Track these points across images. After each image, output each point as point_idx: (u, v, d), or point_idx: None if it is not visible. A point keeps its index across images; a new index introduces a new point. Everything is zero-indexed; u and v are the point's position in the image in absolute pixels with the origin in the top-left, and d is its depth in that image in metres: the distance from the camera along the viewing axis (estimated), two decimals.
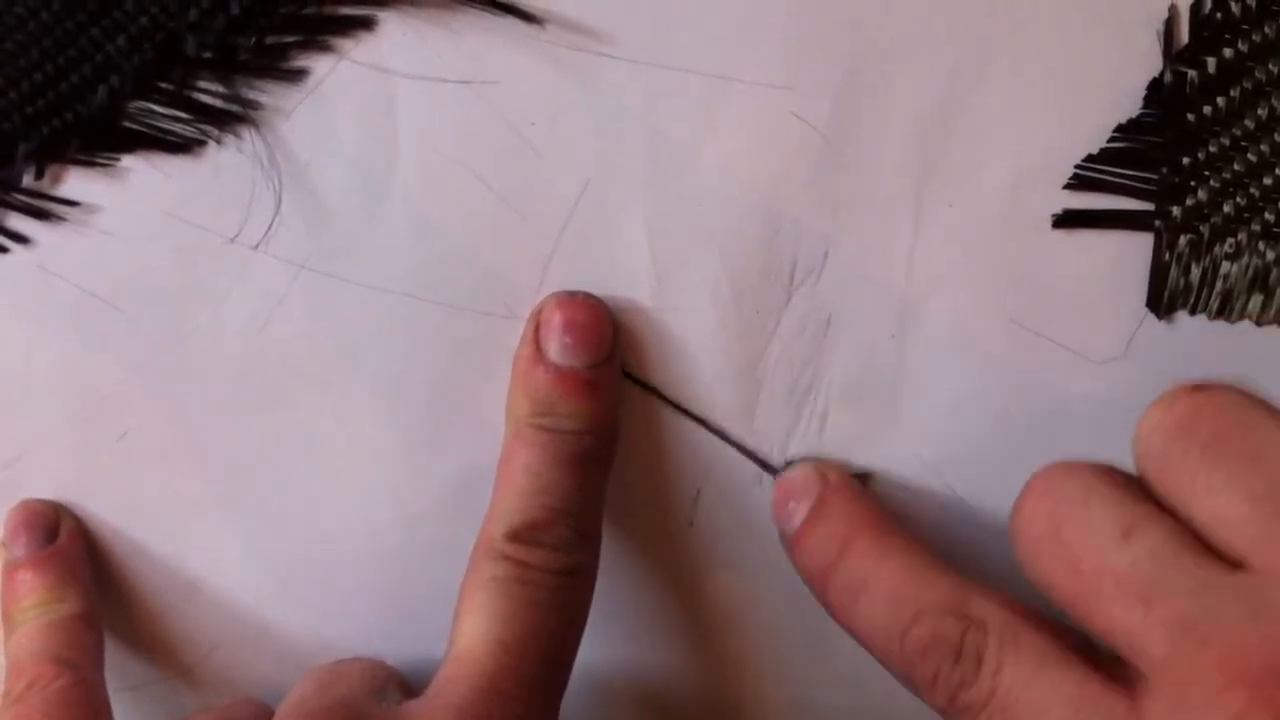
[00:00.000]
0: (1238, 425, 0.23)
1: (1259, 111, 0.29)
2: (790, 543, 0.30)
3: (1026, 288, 0.30)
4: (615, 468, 0.31)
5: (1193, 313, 0.30)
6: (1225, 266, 0.30)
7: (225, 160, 0.30)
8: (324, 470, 0.32)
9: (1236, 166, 0.29)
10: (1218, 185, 0.29)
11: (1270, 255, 0.30)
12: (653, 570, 0.33)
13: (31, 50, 0.29)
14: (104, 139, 0.30)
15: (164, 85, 0.29)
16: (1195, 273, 0.30)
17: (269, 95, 0.30)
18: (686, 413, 0.31)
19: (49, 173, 0.30)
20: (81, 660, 0.31)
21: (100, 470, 0.32)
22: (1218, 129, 0.29)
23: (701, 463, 0.32)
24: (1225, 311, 0.30)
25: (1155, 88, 0.29)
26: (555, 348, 0.30)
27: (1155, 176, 0.29)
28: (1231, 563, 0.23)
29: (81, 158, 0.30)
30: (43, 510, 0.32)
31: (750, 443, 0.32)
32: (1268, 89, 0.29)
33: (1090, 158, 0.29)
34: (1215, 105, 0.29)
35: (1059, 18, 0.28)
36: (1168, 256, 0.30)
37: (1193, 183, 0.29)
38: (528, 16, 0.29)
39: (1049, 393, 0.31)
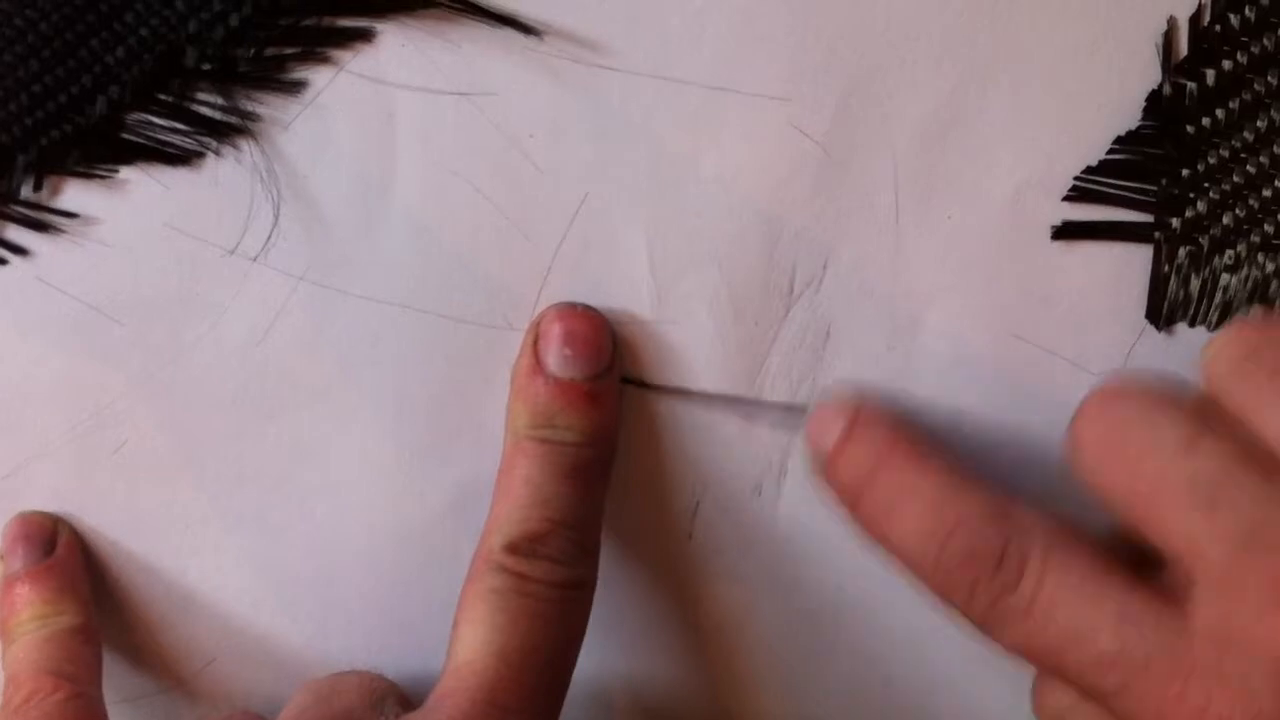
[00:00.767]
0: None
1: (1258, 123, 0.29)
2: (825, 461, 0.29)
3: (1026, 299, 0.30)
4: (614, 479, 0.31)
5: (1192, 324, 0.30)
6: (1225, 278, 0.30)
7: (224, 172, 0.30)
8: (322, 481, 0.32)
9: (1236, 178, 0.29)
10: (1217, 197, 0.29)
11: (1270, 267, 0.30)
12: (651, 582, 0.33)
13: (31, 62, 0.29)
14: (103, 150, 0.30)
15: (163, 97, 0.29)
16: (1195, 284, 0.30)
17: (268, 107, 0.30)
18: (691, 394, 0.31)
19: (48, 184, 0.30)
20: (79, 673, 0.31)
21: (98, 482, 0.32)
22: (1217, 141, 0.29)
23: (700, 475, 0.32)
24: (1225, 323, 0.30)
25: (1154, 100, 0.29)
26: (554, 359, 0.30)
27: (1155, 188, 0.29)
28: None
29: (80, 169, 0.30)
30: (40, 522, 0.32)
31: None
32: (1266, 101, 0.29)
33: (1090, 169, 0.29)
34: (1214, 117, 0.29)
35: (1058, 30, 0.28)
36: (1167, 268, 0.30)
37: (1192, 194, 0.29)
38: (526, 28, 0.29)
39: (1048, 404, 0.31)
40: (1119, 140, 0.29)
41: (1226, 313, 0.30)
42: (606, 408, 0.31)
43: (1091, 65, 0.29)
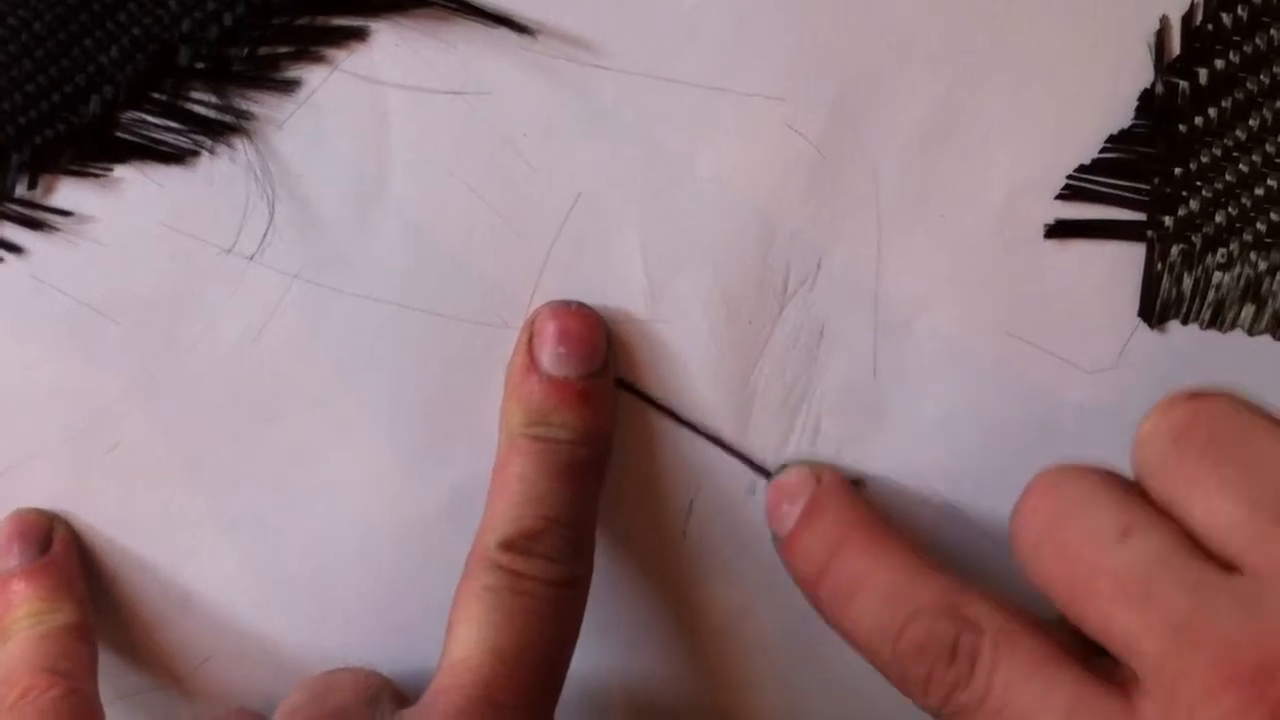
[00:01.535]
0: (1234, 431, 0.24)
1: (1250, 122, 0.29)
2: (783, 545, 0.30)
3: (1019, 298, 0.30)
4: (609, 478, 0.31)
5: (1185, 322, 0.30)
6: (1217, 276, 0.30)
7: (219, 171, 0.30)
8: (317, 480, 0.32)
9: (1228, 177, 0.29)
10: (1209, 195, 0.29)
11: (1262, 265, 0.30)
12: (646, 580, 0.33)
13: (24, 61, 0.29)
14: (97, 149, 0.30)
15: (157, 96, 0.29)
16: (1187, 283, 0.30)
17: (262, 106, 0.30)
18: (679, 419, 0.32)
19: (42, 183, 0.30)
20: (75, 671, 0.31)
21: (94, 480, 0.32)
22: (1209, 139, 0.29)
23: (695, 474, 0.32)
24: (1217, 321, 0.30)
25: (1147, 98, 0.29)
26: (549, 358, 0.30)
27: (1147, 187, 0.29)
28: (1227, 565, 0.23)
29: (75, 168, 0.30)
30: (36, 520, 0.32)
31: (743, 450, 0.32)
32: (1259, 99, 0.29)
33: (1082, 168, 0.29)
34: (1207, 116, 0.29)
35: (1051, 30, 0.28)
36: (1160, 266, 0.30)
37: (1184, 193, 0.29)
38: (520, 28, 0.29)
39: (1041, 403, 0.31)
40: (1112, 139, 0.29)
41: (1219, 311, 0.30)
42: (601, 406, 0.31)
43: (1085, 64, 0.29)
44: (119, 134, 0.30)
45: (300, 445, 0.32)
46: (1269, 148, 0.29)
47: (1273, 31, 0.28)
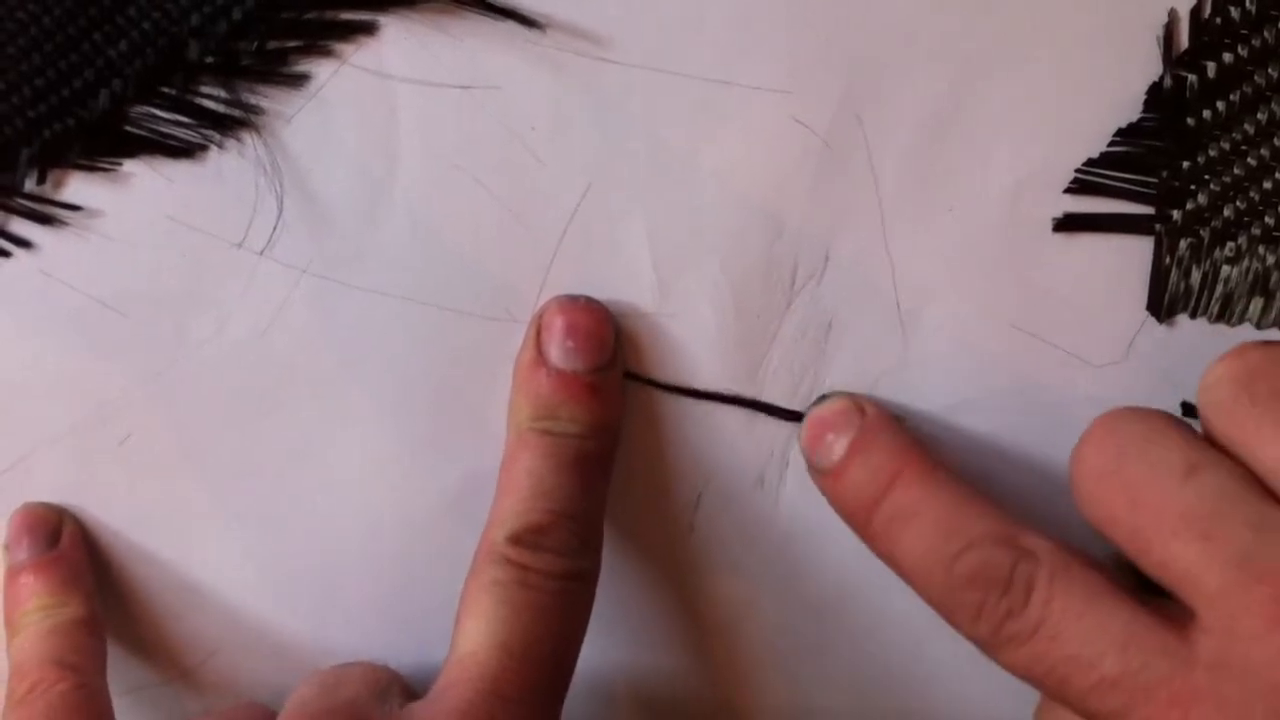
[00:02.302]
0: None
1: (1259, 116, 0.29)
2: (829, 475, 0.29)
3: (1027, 292, 0.30)
4: (616, 472, 0.31)
5: (1193, 316, 0.30)
6: (1225, 270, 0.30)
7: (228, 165, 0.30)
8: (325, 474, 0.32)
9: (1236, 170, 0.29)
10: (1218, 189, 0.29)
11: (1270, 259, 0.30)
12: (654, 574, 0.33)
13: (34, 55, 0.29)
14: (106, 144, 0.30)
15: (166, 90, 0.30)
16: (1196, 276, 0.30)
17: (270, 100, 0.30)
18: (694, 394, 0.31)
19: (51, 177, 0.30)
20: (84, 664, 0.31)
21: (102, 475, 0.33)
22: (1217, 133, 0.29)
23: (702, 467, 0.32)
24: (1226, 315, 0.30)
25: (1155, 92, 0.29)
26: (557, 352, 0.30)
27: (1155, 180, 0.29)
28: None
29: (84, 162, 0.30)
30: (45, 514, 0.32)
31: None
32: (1267, 93, 0.29)
33: (1090, 162, 0.29)
34: (1215, 109, 0.29)
35: (1058, 22, 0.28)
36: (1168, 260, 0.30)
37: (1193, 187, 0.29)
38: (528, 21, 0.29)
39: (1049, 397, 0.31)
40: (1120, 132, 0.29)
41: (1227, 304, 0.30)
42: (609, 400, 0.31)
43: (1092, 57, 0.29)
44: (128, 128, 0.30)
45: (308, 439, 0.32)
46: (1277, 141, 0.29)
47: None
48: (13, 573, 0.32)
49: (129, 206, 0.30)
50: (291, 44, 0.29)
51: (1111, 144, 0.29)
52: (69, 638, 0.31)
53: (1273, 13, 0.28)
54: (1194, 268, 0.30)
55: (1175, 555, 0.24)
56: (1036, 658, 0.25)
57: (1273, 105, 0.29)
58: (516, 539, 0.29)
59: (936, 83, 0.29)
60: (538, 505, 0.29)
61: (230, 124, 0.30)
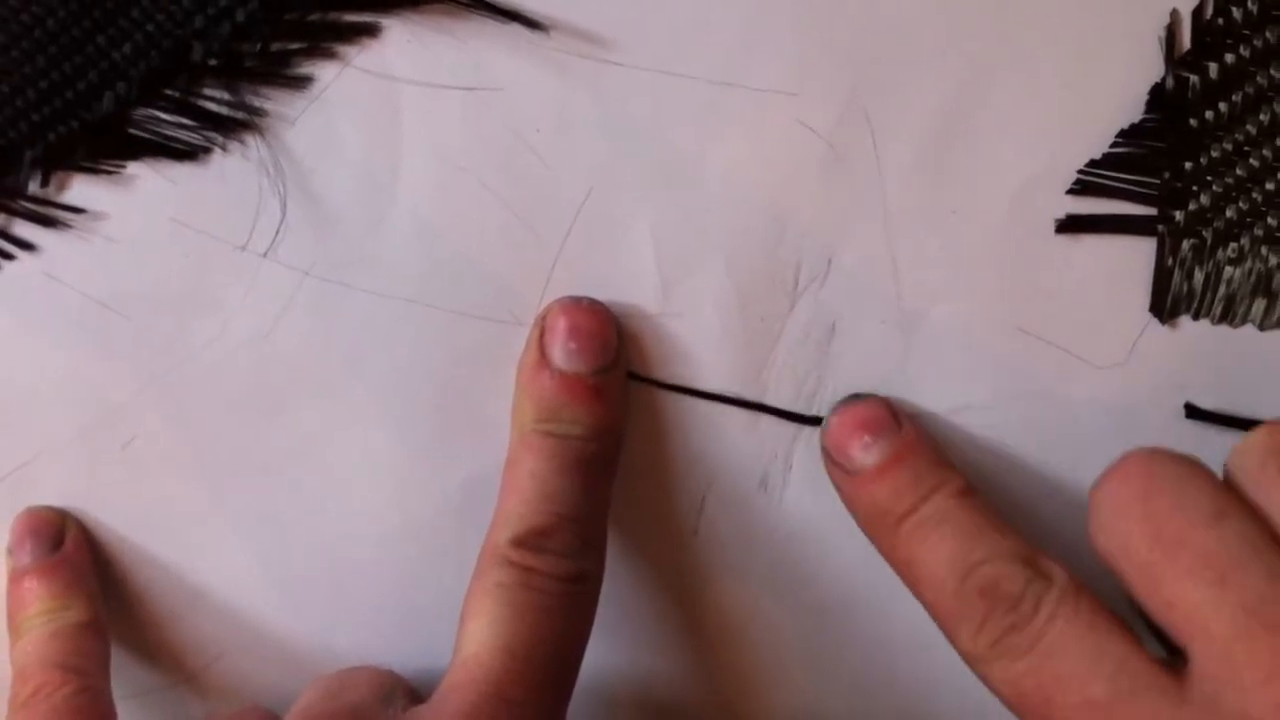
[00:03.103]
0: None
1: (1261, 116, 0.29)
2: (859, 478, 0.29)
3: (1030, 293, 0.30)
4: (620, 475, 0.31)
5: (1196, 317, 0.30)
6: (1228, 271, 0.30)
7: (231, 167, 0.30)
8: (329, 476, 0.32)
9: (1239, 171, 0.29)
10: (1220, 190, 0.29)
11: (1273, 260, 0.30)
12: (657, 577, 0.33)
13: (37, 57, 0.29)
14: (110, 146, 0.30)
15: (170, 92, 0.30)
16: (1198, 277, 0.30)
17: (274, 102, 0.30)
18: (696, 394, 0.31)
19: (55, 180, 0.30)
20: (87, 667, 0.31)
21: (106, 478, 0.32)
22: (1220, 134, 0.29)
23: (706, 470, 0.32)
24: (1228, 316, 0.30)
25: (1157, 93, 0.29)
26: (560, 353, 0.30)
27: (1158, 181, 0.29)
28: None
29: (87, 165, 0.30)
30: (48, 517, 0.32)
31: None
32: (1269, 94, 0.29)
33: (1093, 163, 0.29)
34: (1217, 110, 0.29)
35: (1062, 24, 0.28)
36: (1171, 261, 0.30)
37: (1195, 187, 0.29)
38: (532, 23, 0.29)
39: (1052, 398, 0.31)
40: (1122, 133, 0.29)
41: (1230, 306, 0.30)
42: (612, 402, 0.31)
43: (1095, 59, 0.29)
44: (132, 131, 0.30)
45: (312, 442, 0.32)
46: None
47: None
48: (16, 576, 0.32)
49: (132, 209, 0.30)
50: (295, 46, 0.29)
51: (1114, 145, 0.29)
52: (72, 641, 0.31)
53: (1274, 13, 0.28)
54: (1196, 269, 0.30)
55: (1185, 595, 0.24)
56: (1029, 672, 0.25)
57: (1275, 106, 0.29)
58: (520, 541, 0.29)
59: (941, 86, 0.29)
60: (541, 508, 0.29)
61: (234, 126, 0.30)
